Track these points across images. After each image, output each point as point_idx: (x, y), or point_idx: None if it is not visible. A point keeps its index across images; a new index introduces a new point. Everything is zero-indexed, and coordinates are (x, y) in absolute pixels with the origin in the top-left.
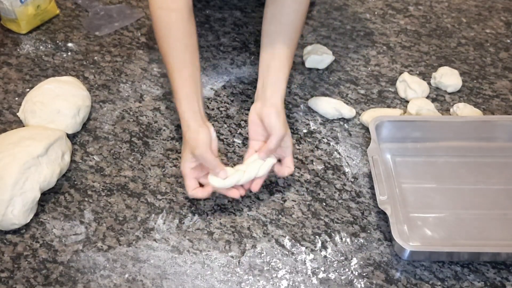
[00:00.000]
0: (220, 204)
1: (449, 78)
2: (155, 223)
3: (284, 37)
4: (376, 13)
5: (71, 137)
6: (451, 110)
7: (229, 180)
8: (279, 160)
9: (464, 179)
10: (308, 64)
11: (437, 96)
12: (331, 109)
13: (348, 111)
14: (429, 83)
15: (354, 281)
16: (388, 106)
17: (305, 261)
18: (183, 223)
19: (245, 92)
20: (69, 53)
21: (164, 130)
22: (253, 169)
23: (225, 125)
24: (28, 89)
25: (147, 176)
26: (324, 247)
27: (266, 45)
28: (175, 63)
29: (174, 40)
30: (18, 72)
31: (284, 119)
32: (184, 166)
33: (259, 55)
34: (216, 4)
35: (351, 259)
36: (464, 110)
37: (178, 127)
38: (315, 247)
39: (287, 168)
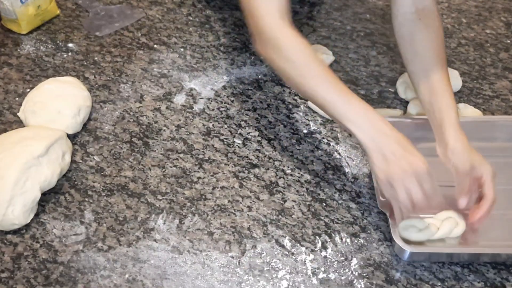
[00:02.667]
0: (220, 205)
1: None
2: (155, 223)
3: (430, 69)
4: (376, 13)
5: (72, 137)
6: None
7: (422, 234)
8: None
9: None
10: None
11: None
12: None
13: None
14: None
15: (354, 282)
16: (388, 107)
17: (305, 261)
18: (183, 223)
19: (245, 93)
20: (70, 53)
21: (164, 130)
22: (447, 228)
23: (225, 126)
24: (28, 89)
25: (147, 176)
26: (324, 247)
27: (419, 85)
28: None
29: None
30: (19, 72)
31: (471, 151)
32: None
33: (259, 56)
34: (216, 5)
35: (351, 260)
36: (464, 110)
37: (178, 127)
38: (315, 247)
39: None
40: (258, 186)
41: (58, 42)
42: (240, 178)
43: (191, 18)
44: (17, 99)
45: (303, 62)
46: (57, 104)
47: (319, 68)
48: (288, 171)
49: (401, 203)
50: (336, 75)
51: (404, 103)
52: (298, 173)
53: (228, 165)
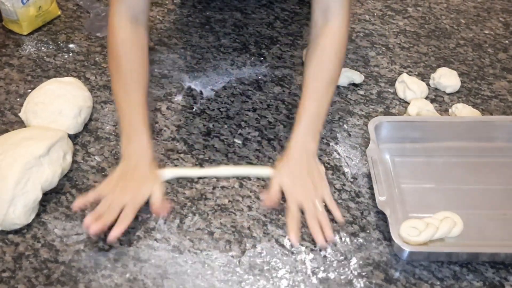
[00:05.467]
0: (221, 204)
1: (448, 78)
2: (156, 223)
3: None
4: (375, 14)
5: (73, 137)
6: (449, 110)
7: (423, 235)
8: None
9: (463, 179)
10: None
11: (436, 97)
12: (344, 77)
13: (358, 77)
14: (428, 84)
15: (354, 281)
16: (387, 107)
17: (304, 260)
18: (184, 223)
19: (245, 93)
20: (71, 54)
21: (165, 130)
22: (446, 227)
23: (226, 126)
24: (29, 90)
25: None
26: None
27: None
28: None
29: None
30: (20, 73)
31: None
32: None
33: (259, 56)
34: (216, 6)
35: (351, 259)
36: (462, 110)
37: (179, 128)
38: (315, 246)
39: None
40: (258, 186)
41: (59, 42)
42: (240, 178)
43: (191, 19)
44: (18, 99)
45: (122, 69)
46: (58, 104)
47: (131, 81)
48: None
49: (98, 206)
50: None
51: (403, 103)
52: None
53: (228, 165)
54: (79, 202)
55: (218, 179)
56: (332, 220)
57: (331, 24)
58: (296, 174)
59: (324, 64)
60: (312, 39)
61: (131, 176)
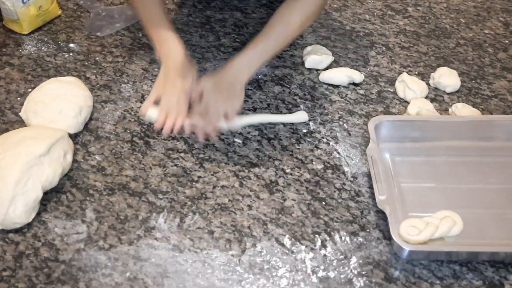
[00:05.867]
0: (221, 203)
1: (447, 78)
2: (156, 222)
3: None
4: (375, 14)
5: (73, 136)
6: (449, 110)
7: (423, 234)
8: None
9: (462, 178)
10: (307, 65)
11: (436, 96)
12: (344, 76)
13: (358, 76)
14: (428, 83)
15: (354, 280)
16: (387, 106)
17: (304, 259)
18: (184, 222)
19: (246, 92)
20: (71, 54)
21: None
22: (446, 226)
23: (226, 126)
24: (30, 89)
25: (148, 175)
26: (323, 246)
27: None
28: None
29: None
30: (20, 73)
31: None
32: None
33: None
34: (216, 5)
35: (351, 258)
36: (462, 110)
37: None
38: (315, 246)
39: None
40: (258, 185)
41: (59, 42)
42: (240, 177)
43: (191, 19)
44: (18, 99)
45: (143, 9)
46: (59, 104)
47: (154, 14)
48: (288, 170)
49: (160, 107)
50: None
51: (403, 103)
52: (297, 172)
53: (229, 164)
54: (146, 106)
55: (218, 178)
56: (332, 219)
57: None
58: (218, 86)
59: (290, 20)
60: None
61: (173, 73)
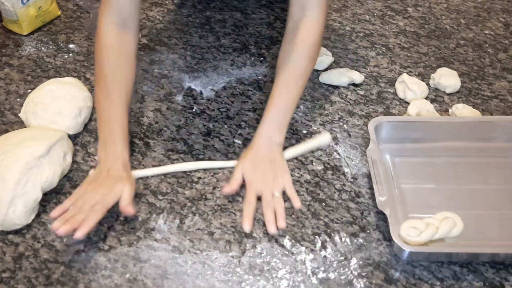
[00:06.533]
0: (221, 205)
1: (448, 79)
2: (156, 223)
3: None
4: (375, 14)
5: (73, 137)
6: (450, 110)
7: (423, 235)
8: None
9: (463, 179)
10: None
11: (436, 97)
12: (344, 77)
13: (358, 77)
14: (428, 84)
15: (354, 281)
16: (387, 107)
17: (304, 261)
18: (184, 223)
19: (245, 93)
20: (71, 54)
21: (165, 130)
22: (446, 227)
23: (226, 126)
24: (29, 90)
25: (148, 176)
26: (323, 247)
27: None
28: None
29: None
30: (20, 73)
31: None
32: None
33: (259, 56)
34: (216, 6)
35: (351, 259)
36: (462, 110)
37: (179, 128)
38: (315, 247)
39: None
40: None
41: (59, 43)
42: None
43: (191, 19)
44: (18, 99)
45: (104, 74)
46: (58, 104)
47: (113, 87)
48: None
49: (71, 207)
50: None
51: (403, 104)
52: (297, 173)
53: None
54: (57, 211)
55: (218, 179)
56: (332, 220)
57: (306, 19)
58: (258, 164)
59: (296, 58)
60: (287, 33)
61: (103, 178)
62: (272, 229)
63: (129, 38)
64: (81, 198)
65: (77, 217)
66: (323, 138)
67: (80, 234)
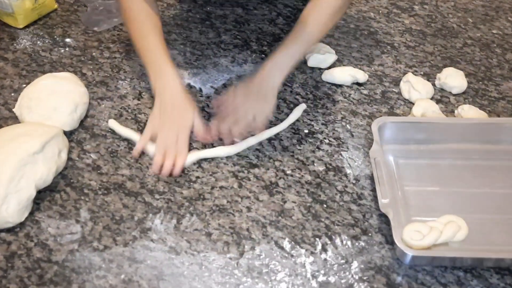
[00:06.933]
0: (219, 205)
1: (454, 79)
2: (152, 223)
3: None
4: (380, 12)
5: (68, 134)
6: (455, 111)
7: (426, 239)
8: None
9: (468, 182)
10: (310, 63)
11: (442, 98)
12: (347, 76)
13: (362, 76)
14: (433, 84)
15: (355, 285)
16: (392, 107)
17: (304, 263)
18: (181, 223)
19: None
20: (67, 49)
21: None
22: (450, 231)
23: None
24: (24, 85)
25: (144, 175)
26: (324, 249)
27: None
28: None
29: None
30: (15, 67)
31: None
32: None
33: (261, 53)
34: (217, 1)
35: (352, 263)
36: (469, 112)
37: None
38: (315, 249)
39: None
40: (257, 186)
41: (55, 37)
42: (239, 178)
43: (191, 15)
44: (12, 94)
45: (136, 19)
46: (54, 100)
47: (146, 25)
48: (289, 172)
49: (156, 145)
50: (161, 39)
51: (408, 104)
52: (298, 173)
53: (228, 164)
54: (139, 147)
55: (216, 178)
56: (333, 222)
57: None
58: (250, 94)
59: (316, 15)
60: None
61: (171, 108)
62: (227, 142)
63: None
64: (160, 136)
65: (172, 151)
66: (299, 109)
67: (179, 169)
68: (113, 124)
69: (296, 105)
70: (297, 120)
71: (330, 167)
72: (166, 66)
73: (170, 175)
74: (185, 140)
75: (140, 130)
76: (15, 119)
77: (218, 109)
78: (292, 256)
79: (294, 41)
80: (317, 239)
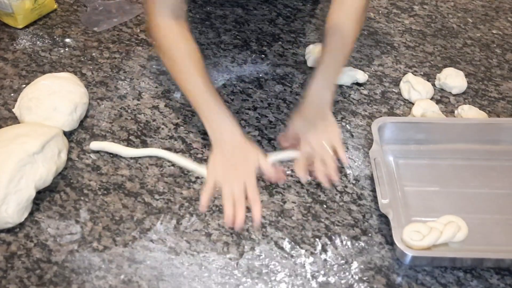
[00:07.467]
0: (219, 205)
1: (454, 79)
2: (152, 224)
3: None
4: (380, 12)
5: (68, 134)
6: (455, 112)
7: (426, 239)
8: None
9: (468, 182)
10: (310, 63)
11: (442, 98)
12: (347, 76)
13: (362, 76)
14: (433, 84)
15: (355, 285)
16: (391, 107)
17: (304, 264)
18: (181, 223)
19: (246, 91)
20: (67, 49)
21: (162, 128)
22: (450, 232)
23: None
24: (24, 85)
25: (144, 175)
26: (324, 250)
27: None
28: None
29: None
30: (14, 68)
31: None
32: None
33: (261, 54)
34: (217, 1)
35: (352, 263)
36: (469, 112)
37: (177, 126)
38: (315, 250)
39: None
40: (257, 186)
41: (55, 37)
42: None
43: (191, 15)
44: (12, 94)
45: (177, 60)
46: (53, 100)
47: (190, 66)
48: (288, 172)
49: (223, 197)
50: (207, 75)
51: (408, 104)
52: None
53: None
54: (205, 201)
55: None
56: (333, 222)
57: None
58: (309, 119)
59: (345, 22)
60: None
61: (232, 154)
62: (323, 179)
63: (186, 26)
64: (228, 182)
65: (241, 203)
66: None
67: (258, 220)
68: (96, 145)
69: (296, 105)
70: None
71: None
72: (221, 110)
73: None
74: (254, 186)
75: (140, 131)
76: (15, 119)
77: (286, 145)
78: (292, 256)
79: (330, 50)
80: (317, 239)
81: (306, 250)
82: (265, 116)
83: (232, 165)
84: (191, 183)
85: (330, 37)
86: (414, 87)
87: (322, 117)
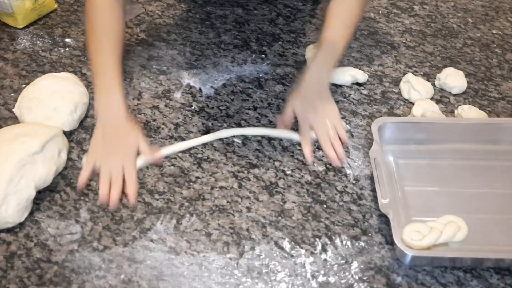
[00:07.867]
0: (219, 205)
1: (454, 79)
2: (152, 223)
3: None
4: (380, 12)
5: (68, 134)
6: (455, 112)
7: (426, 239)
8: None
9: (468, 182)
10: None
11: (442, 98)
12: (347, 76)
13: (361, 76)
14: (433, 84)
15: (355, 285)
16: (391, 107)
17: (304, 264)
18: (181, 223)
19: (246, 91)
20: (67, 49)
21: (162, 128)
22: (450, 232)
23: (225, 124)
24: (24, 85)
25: (144, 175)
26: (324, 250)
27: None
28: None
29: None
30: (14, 68)
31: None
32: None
33: (261, 54)
34: (217, 1)
35: (352, 263)
36: (469, 112)
37: (177, 126)
38: (315, 250)
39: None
40: (257, 186)
41: (55, 37)
42: (239, 178)
43: (191, 14)
44: (12, 94)
45: (98, 31)
46: (54, 100)
47: (108, 40)
48: (289, 172)
49: (100, 178)
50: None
51: (408, 104)
52: (298, 174)
53: (227, 164)
54: (82, 180)
55: (216, 179)
56: (333, 222)
57: None
58: (308, 100)
59: (349, 4)
60: None
61: (115, 135)
62: (332, 156)
63: (119, 5)
64: (106, 163)
65: (118, 183)
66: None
67: (134, 200)
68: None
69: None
70: (297, 120)
71: (330, 167)
72: (113, 88)
73: (122, 204)
74: (131, 168)
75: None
76: (15, 119)
77: (285, 125)
78: (292, 256)
79: (330, 33)
80: (317, 239)
81: (306, 250)
82: (265, 116)
83: (112, 147)
84: (191, 183)
85: (333, 19)
86: (414, 87)
87: (321, 97)
